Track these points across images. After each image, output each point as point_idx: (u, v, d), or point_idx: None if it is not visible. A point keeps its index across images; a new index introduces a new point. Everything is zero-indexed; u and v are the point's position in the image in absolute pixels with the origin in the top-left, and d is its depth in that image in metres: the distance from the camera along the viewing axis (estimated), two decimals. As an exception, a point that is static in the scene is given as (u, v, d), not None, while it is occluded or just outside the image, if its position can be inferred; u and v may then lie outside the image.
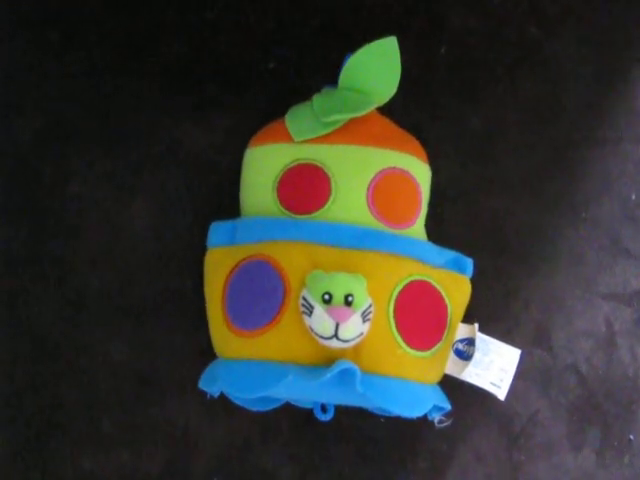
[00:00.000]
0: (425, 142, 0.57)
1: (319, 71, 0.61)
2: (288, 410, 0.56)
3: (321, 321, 0.46)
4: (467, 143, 0.62)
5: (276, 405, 0.55)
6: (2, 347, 0.59)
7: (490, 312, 0.59)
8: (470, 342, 0.52)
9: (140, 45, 0.63)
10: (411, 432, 0.57)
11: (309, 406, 0.56)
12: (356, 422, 0.57)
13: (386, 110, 0.56)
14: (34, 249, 0.60)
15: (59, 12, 0.64)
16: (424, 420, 0.52)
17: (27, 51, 0.63)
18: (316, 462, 0.57)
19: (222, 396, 0.53)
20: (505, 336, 0.57)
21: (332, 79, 0.56)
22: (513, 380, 0.53)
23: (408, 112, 0.60)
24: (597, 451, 0.57)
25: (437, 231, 0.57)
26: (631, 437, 0.58)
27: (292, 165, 0.53)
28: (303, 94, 0.57)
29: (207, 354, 0.52)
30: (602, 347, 0.59)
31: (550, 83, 0.63)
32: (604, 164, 0.62)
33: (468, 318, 0.53)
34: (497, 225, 0.61)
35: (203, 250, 0.54)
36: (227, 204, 0.58)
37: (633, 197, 0.61)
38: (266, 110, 0.60)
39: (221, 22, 0.63)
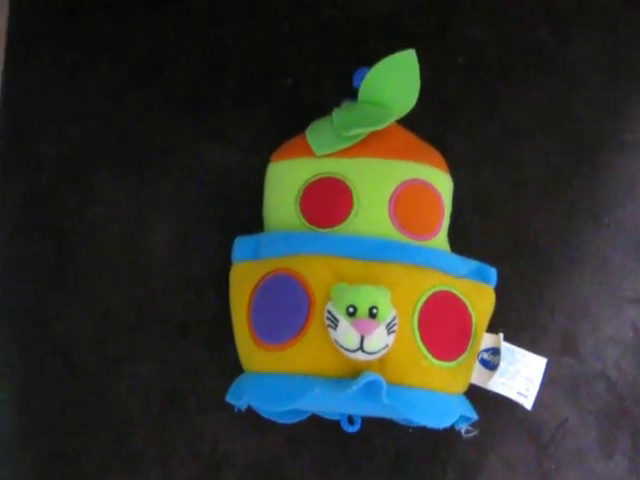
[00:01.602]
0: (444, 152, 0.57)
1: (337, 85, 0.61)
2: (316, 423, 0.56)
3: (346, 334, 0.46)
4: (485, 151, 0.62)
5: (303, 417, 0.56)
6: (31, 367, 0.60)
7: (515, 321, 0.59)
8: (495, 352, 0.52)
9: (156, 64, 0.64)
10: (440, 442, 0.57)
11: (336, 418, 0.56)
12: (384, 433, 0.57)
13: (405, 121, 0.56)
14: (59, 270, 0.61)
15: (74, 33, 0.65)
16: (452, 430, 0.51)
17: (44, 73, 0.65)
18: (345, 475, 0.57)
19: (250, 410, 0.53)
20: (532, 345, 0.57)
21: (351, 93, 0.57)
22: (541, 388, 0.53)
23: (426, 122, 0.61)
24: (629, 457, 0.57)
25: (459, 241, 0.57)
26: (663, 443, 0.57)
27: (314, 179, 0.53)
28: (322, 109, 0.57)
29: (234, 369, 0.53)
30: (630, 352, 0.58)
31: (567, 88, 0.63)
32: (625, 168, 0.61)
33: (493, 328, 0.53)
34: (519, 233, 0.60)
35: (226, 266, 0.55)
36: (248, 220, 0.58)
37: (656, 200, 0.61)
38: (285, 126, 0.60)
39: (236, 38, 0.64)
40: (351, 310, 0.46)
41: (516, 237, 0.60)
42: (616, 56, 0.63)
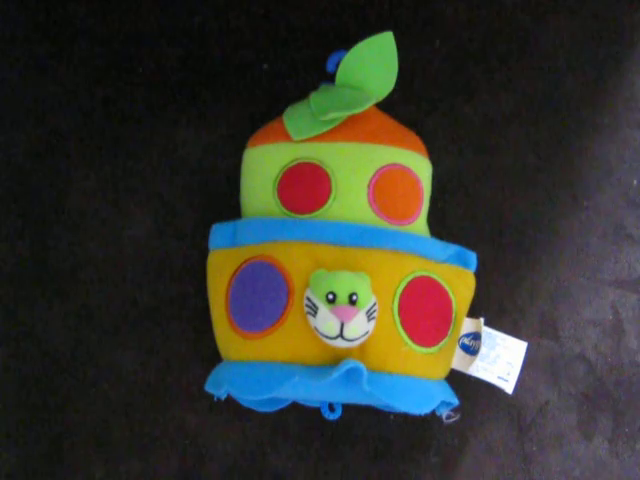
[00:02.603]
0: (422, 136, 0.57)
1: (314, 69, 0.60)
2: (297, 411, 0.56)
3: (326, 321, 0.46)
4: (464, 135, 0.62)
5: (284, 405, 0.55)
6: (9, 362, 0.59)
7: (495, 305, 0.59)
8: (476, 336, 0.52)
9: (131, 53, 0.63)
10: (421, 428, 0.57)
11: (317, 405, 0.56)
12: (365, 420, 0.57)
13: (382, 105, 0.56)
14: (36, 263, 0.60)
15: (48, 24, 0.64)
16: (434, 415, 0.51)
17: (18, 64, 0.63)
18: (328, 462, 0.57)
19: (231, 400, 0.53)
20: (511, 328, 0.57)
21: (328, 76, 0.56)
22: (522, 371, 0.53)
23: (404, 106, 0.60)
24: (609, 439, 0.57)
25: (438, 225, 0.57)
26: (642, 424, 0.57)
27: (292, 164, 0.52)
28: (299, 93, 0.56)
29: (214, 358, 0.52)
30: (609, 335, 0.59)
31: (545, 72, 0.63)
32: (603, 151, 0.61)
33: (473, 312, 0.53)
34: (498, 217, 0.60)
35: (204, 254, 0.54)
36: (226, 207, 0.58)
37: (635, 183, 0.61)
38: (262, 111, 0.60)
39: (210, 25, 0.63)
40: (330, 297, 0.46)
41: (495, 221, 0.60)
42: (595, 41, 0.63)
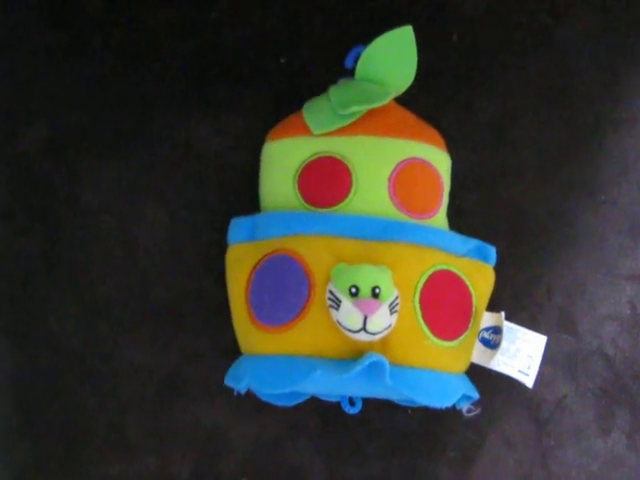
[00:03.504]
0: (441, 131, 0.56)
1: (332, 63, 0.60)
2: (315, 405, 0.56)
3: (349, 314, 0.46)
4: (481, 131, 0.61)
5: (302, 399, 0.55)
6: (23, 357, 0.58)
7: (513, 300, 0.58)
8: (496, 330, 0.52)
9: (145, 47, 0.63)
10: (439, 423, 0.56)
11: (336, 399, 0.56)
12: (384, 415, 0.57)
13: (400, 99, 0.56)
14: (50, 259, 0.60)
15: (61, 18, 0.63)
16: (452, 410, 0.51)
17: (31, 58, 0.63)
18: (346, 457, 0.57)
19: (248, 395, 0.52)
20: (529, 323, 0.57)
21: (347, 70, 0.56)
22: (540, 366, 0.53)
23: (421, 101, 0.60)
24: (627, 434, 0.57)
25: (457, 220, 0.56)
26: (659, 419, 0.57)
27: (312, 158, 0.52)
28: (317, 87, 0.56)
29: (230, 353, 0.52)
30: (627, 329, 0.58)
31: (562, 67, 0.63)
32: (620, 146, 0.61)
33: (491, 307, 0.53)
34: (515, 212, 0.60)
35: (221, 249, 0.54)
36: (242, 203, 0.58)
37: (652, 178, 0.61)
38: (279, 106, 0.59)
39: (226, 20, 0.63)
40: (353, 290, 0.46)
41: (512, 216, 0.60)
42: (613, 35, 0.63)
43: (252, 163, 0.57)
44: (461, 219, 0.58)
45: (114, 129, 0.62)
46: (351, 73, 0.56)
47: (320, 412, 0.57)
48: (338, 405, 0.55)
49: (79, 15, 0.63)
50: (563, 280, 0.59)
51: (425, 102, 0.60)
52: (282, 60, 0.62)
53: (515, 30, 0.63)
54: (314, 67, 0.61)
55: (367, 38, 0.55)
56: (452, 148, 0.57)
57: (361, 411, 0.55)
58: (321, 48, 0.62)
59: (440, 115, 0.60)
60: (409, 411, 0.56)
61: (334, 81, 0.56)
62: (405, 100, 0.56)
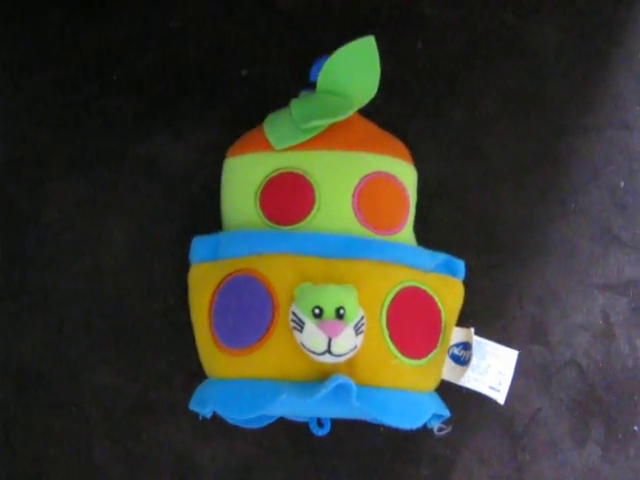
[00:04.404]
0: (407, 140, 0.56)
1: (294, 75, 0.59)
2: (285, 427, 0.55)
3: (313, 337, 0.45)
4: (449, 138, 0.61)
5: (270, 421, 0.54)
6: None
7: (484, 310, 0.58)
8: (466, 346, 0.51)
9: (107, 61, 0.62)
10: (412, 440, 0.55)
11: (305, 420, 0.54)
12: (355, 434, 0.56)
13: (365, 110, 0.55)
14: (13, 278, 0.58)
15: (21, 32, 0.62)
16: (424, 427, 0.50)
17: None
18: (318, 478, 0.56)
19: (217, 417, 0.51)
20: (501, 334, 0.57)
21: (309, 83, 0.55)
22: (513, 379, 0.53)
23: (387, 111, 0.59)
24: (602, 445, 0.56)
25: (424, 231, 0.55)
26: (635, 428, 0.57)
27: (274, 174, 0.51)
28: (280, 100, 0.55)
29: (199, 374, 0.51)
30: (600, 339, 0.58)
31: (531, 72, 0.62)
32: (590, 153, 0.61)
33: (462, 318, 0.52)
34: (485, 221, 0.60)
35: (186, 267, 0.52)
36: (207, 218, 0.56)
37: (622, 184, 0.60)
38: (241, 119, 0.58)
39: (187, 31, 0.62)
40: (317, 311, 0.45)
41: (481, 225, 0.59)
42: (580, 40, 0.62)
43: (217, 177, 0.55)
44: (429, 229, 0.58)
45: (76, 145, 0.61)
46: (314, 86, 0.54)
47: (290, 433, 0.56)
48: (308, 426, 0.54)
49: (38, 29, 0.62)
50: (535, 289, 0.58)
51: (390, 113, 0.59)
52: (244, 72, 0.61)
53: (482, 36, 0.62)
54: (277, 79, 0.60)
55: (330, 49, 0.54)
56: (420, 158, 0.56)
57: (332, 431, 0.54)
58: (284, 59, 0.61)
59: (406, 125, 0.59)
60: (381, 429, 0.55)
61: (297, 94, 0.55)
62: (369, 111, 0.55)
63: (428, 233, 0.56)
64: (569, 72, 0.62)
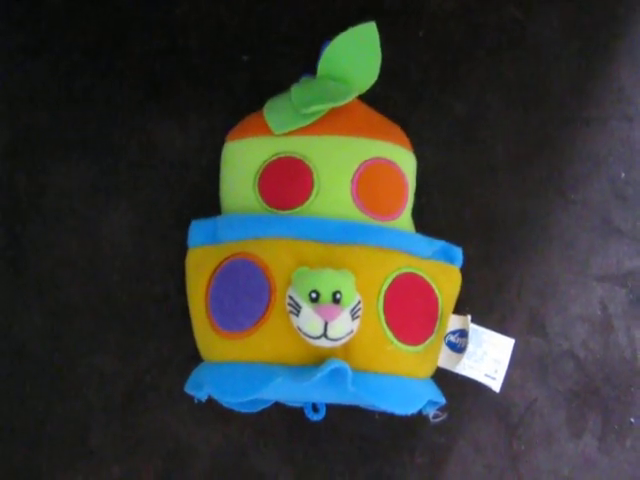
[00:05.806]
0: (407, 129, 0.56)
1: (295, 60, 0.59)
2: (281, 411, 0.55)
3: (309, 320, 0.45)
4: (450, 129, 0.60)
5: (266, 405, 0.54)
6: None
7: (482, 301, 0.57)
8: (462, 334, 0.51)
9: (107, 47, 0.61)
10: (407, 427, 0.55)
11: (300, 405, 0.54)
12: (350, 420, 0.56)
13: (365, 97, 0.55)
14: (13, 263, 0.58)
15: (22, 18, 0.62)
16: (420, 414, 0.50)
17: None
18: (313, 463, 0.56)
19: (213, 401, 0.51)
20: (499, 324, 0.56)
21: (309, 68, 0.55)
22: (509, 369, 0.53)
23: (388, 99, 0.59)
24: (598, 436, 0.56)
25: (423, 220, 0.55)
26: (632, 420, 0.57)
27: (273, 159, 0.51)
28: (280, 85, 0.55)
29: (196, 359, 0.51)
30: (598, 331, 0.58)
31: (533, 64, 0.62)
32: (591, 144, 0.60)
33: (459, 308, 0.52)
34: (485, 211, 0.59)
35: (185, 251, 0.52)
36: (207, 204, 0.56)
37: (622, 175, 0.60)
38: (242, 104, 0.58)
39: (188, 17, 0.62)
40: (313, 295, 0.45)
41: (481, 215, 0.59)
42: (583, 32, 0.62)
43: (217, 163, 0.55)
44: (429, 219, 0.58)
45: (77, 130, 0.60)
46: (315, 71, 0.54)
47: (286, 418, 0.56)
48: (303, 411, 0.54)
49: (39, 16, 0.62)
50: (534, 280, 0.58)
51: (392, 100, 0.59)
52: (245, 58, 0.61)
53: (485, 27, 0.62)
54: (278, 65, 0.60)
55: (331, 35, 0.53)
56: (420, 147, 0.56)
57: (327, 417, 0.54)
58: (285, 45, 0.61)
59: (407, 113, 0.59)
60: (376, 416, 0.55)
61: (297, 79, 0.55)
62: (371, 98, 0.55)
63: (427, 221, 0.56)
64: (571, 63, 0.61)
